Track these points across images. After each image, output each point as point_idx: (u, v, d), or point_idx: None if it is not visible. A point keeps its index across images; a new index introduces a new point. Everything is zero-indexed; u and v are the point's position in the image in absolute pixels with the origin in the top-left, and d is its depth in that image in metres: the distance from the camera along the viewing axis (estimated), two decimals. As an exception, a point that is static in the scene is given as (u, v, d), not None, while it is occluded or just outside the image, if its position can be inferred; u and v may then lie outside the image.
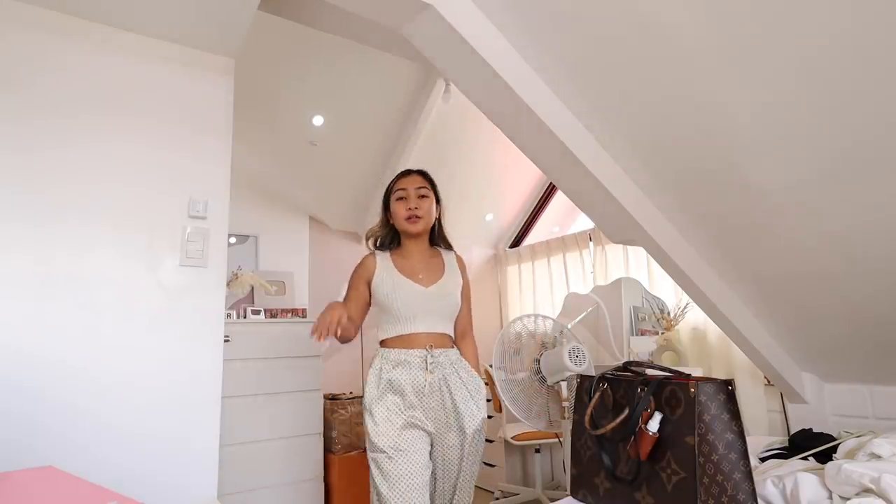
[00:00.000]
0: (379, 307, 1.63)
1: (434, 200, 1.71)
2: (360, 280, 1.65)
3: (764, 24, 1.11)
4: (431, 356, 1.54)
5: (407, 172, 1.73)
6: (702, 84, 1.27)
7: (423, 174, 1.73)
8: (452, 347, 1.64)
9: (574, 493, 1.33)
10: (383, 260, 1.66)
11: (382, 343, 1.60)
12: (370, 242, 1.73)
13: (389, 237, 1.72)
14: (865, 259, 1.46)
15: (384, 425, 1.48)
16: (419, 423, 1.51)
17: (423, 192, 1.68)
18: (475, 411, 1.57)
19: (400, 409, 1.50)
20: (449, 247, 1.78)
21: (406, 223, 1.64)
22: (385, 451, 1.45)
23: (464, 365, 1.62)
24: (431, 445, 1.55)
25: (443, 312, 1.62)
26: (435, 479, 1.56)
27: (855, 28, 1.03)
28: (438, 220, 1.75)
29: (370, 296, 1.64)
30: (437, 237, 1.76)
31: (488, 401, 3.30)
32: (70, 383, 1.35)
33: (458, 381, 1.57)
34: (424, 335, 1.56)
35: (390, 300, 1.58)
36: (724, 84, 1.25)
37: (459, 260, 1.77)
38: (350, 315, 1.55)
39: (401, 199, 1.67)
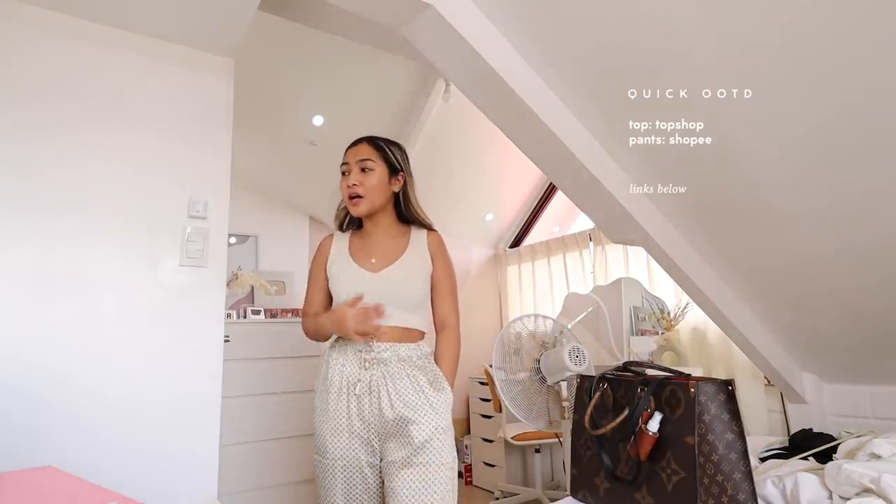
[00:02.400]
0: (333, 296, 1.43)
1: (387, 171, 1.42)
2: (318, 268, 1.46)
3: (757, 10, 1.11)
4: (369, 349, 1.31)
5: (354, 143, 1.48)
6: (702, 83, 1.27)
7: (370, 141, 1.45)
8: (412, 342, 1.37)
9: (574, 493, 1.33)
10: (340, 242, 1.47)
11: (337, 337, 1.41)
12: (336, 223, 1.54)
13: (351, 216, 1.50)
14: (864, 256, 1.46)
15: (318, 421, 1.33)
16: (355, 429, 1.29)
17: (366, 164, 1.41)
18: (429, 416, 1.28)
19: (335, 408, 1.31)
20: (423, 225, 1.49)
21: (348, 204, 1.43)
22: (317, 452, 1.33)
23: (422, 364, 1.35)
24: (381, 459, 1.31)
25: (396, 300, 1.35)
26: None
27: (843, 18, 1.03)
28: (404, 192, 1.46)
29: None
30: (405, 213, 1.47)
31: (486, 400, 3.31)
32: (69, 383, 1.35)
33: (406, 381, 1.31)
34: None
35: (335, 288, 1.40)
36: (722, 81, 1.25)
37: (433, 238, 1.47)
38: (317, 311, 1.43)
39: (344, 174, 1.44)
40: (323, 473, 1.32)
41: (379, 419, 1.29)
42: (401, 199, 1.46)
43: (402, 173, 1.46)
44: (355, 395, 1.30)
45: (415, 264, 1.41)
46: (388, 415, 1.28)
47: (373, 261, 1.40)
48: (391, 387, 1.30)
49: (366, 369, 1.30)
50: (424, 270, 1.42)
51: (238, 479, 2.54)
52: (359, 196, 1.39)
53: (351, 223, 1.51)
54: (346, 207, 1.48)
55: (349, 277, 1.38)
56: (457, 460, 1.33)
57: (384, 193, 1.43)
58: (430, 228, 1.50)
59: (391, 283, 1.37)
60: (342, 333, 1.33)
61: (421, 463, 1.25)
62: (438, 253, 1.46)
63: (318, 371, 1.40)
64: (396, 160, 1.45)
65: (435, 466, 1.26)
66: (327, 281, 1.43)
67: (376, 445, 1.31)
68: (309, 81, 2.62)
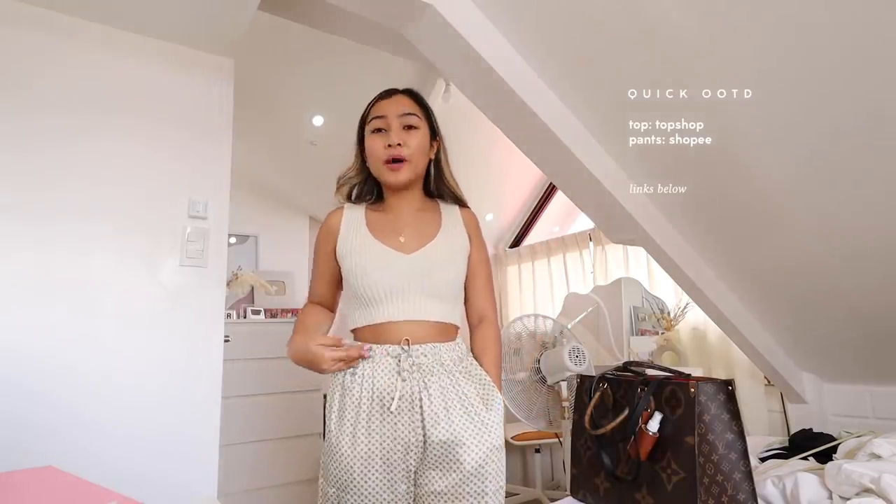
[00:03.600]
0: (345, 283, 1.16)
1: (428, 134, 1.18)
2: (324, 249, 1.19)
3: (756, 10, 1.11)
4: (408, 355, 1.06)
5: (388, 92, 1.19)
6: (702, 83, 1.27)
7: (412, 94, 1.20)
8: (451, 340, 1.12)
9: (574, 493, 1.33)
10: (353, 215, 1.18)
11: (354, 334, 1.14)
12: (342, 193, 1.23)
13: (368, 186, 1.22)
14: (864, 255, 1.46)
15: (340, 448, 1.04)
16: (392, 456, 1.03)
17: (410, 120, 1.14)
18: (481, 434, 1.05)
19: (362, 428, 1.04)
20: (457, 200, 1.25)
21: (385, 169, 1.13)
22: (335, 487, 1.04)
23: (465, 367, 1.11)
24: (417, 487, 1.05)
25: (433, 290, 1.10)
26: None
27: (846, 19, 1.03)
28: (437, 161, 1.22)
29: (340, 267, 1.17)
30: (435, 185, 1.23)
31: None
32: (70, 383, 1.35)
33: (452, 391, 1.06)
34: (404, 324, 1.07)
35: (354, 272, 1.10)
36: (722, 81, 1.25)
37: (469, 215, 1.24)
38: (319, 299, 1.21)
39: (378, 130, 1.14)
40: None
41: (420, 442, 1.03)
42: (432, 168, 1.22)
43: (439, 138, 1.22)
44: (391, 412, 1.03)
45: (454, 244, 1.17)
46: (432, 436, 1.03)
47: (401, 240, 1.12)
48: (435, 400, 1.04)
49: (403, 379, 1.04)
50: (464, 252, 1.18)
51: (238, 479, 2.54)
52: (402, 160, 1.11)
53: (362, 196, 1.23)
54: (353, 177, 1.22)
55: (375, 260, 1.10)
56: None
57: (425, 160, 1.18)
58: (462, 204, 1.26)
59: (430, 266, 1.10)
60: (314, 370, 1.09)
61: (473, 493, 1.02)
62: (476, 233, 1.22)
63: (331, 383, 1.11)
64: (435, 122, 1.22)
65: (491, 496, 1.03)
66: (336, 263, 1.16)
67: (412, 472, 1.05)
68: (309, 81, 2.62)
